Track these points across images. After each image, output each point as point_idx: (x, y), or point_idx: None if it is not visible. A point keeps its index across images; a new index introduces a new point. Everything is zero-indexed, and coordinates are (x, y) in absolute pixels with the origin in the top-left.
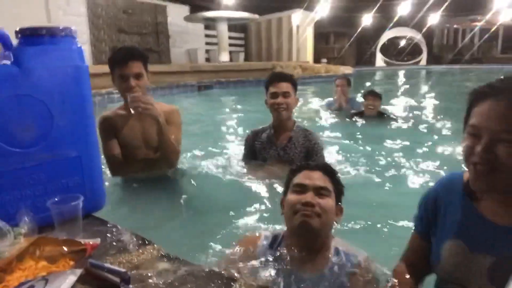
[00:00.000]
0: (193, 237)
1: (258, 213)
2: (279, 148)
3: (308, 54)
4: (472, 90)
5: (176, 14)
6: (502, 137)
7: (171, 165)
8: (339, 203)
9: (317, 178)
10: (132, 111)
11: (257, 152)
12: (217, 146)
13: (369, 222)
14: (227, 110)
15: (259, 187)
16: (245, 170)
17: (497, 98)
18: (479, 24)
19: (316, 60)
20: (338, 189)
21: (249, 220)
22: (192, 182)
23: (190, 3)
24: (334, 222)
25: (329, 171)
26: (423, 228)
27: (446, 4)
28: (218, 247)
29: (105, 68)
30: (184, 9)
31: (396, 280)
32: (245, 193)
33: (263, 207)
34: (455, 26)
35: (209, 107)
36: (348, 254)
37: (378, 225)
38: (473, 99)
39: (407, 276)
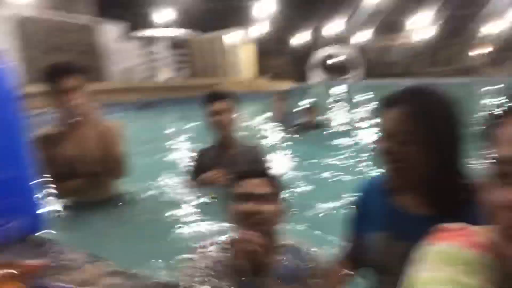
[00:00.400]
0: (146, 253)
1: (207, 224)
2: (225, 166)
3: (251, 71)
4: (379, 100)
5: (111, 32)
6: (407, 138)
7: (119, 174)
8: (283, 203)
9: (257, 185)
10: (71, 120)
11: (204, 172)
12: (161, 165)
13: (313, 221)
14: (170, 128)
15: (207, 199)
16: (191, 186)
17: (400, 105)
18: (404, 41)
19: (258, 77)
20: (280, 190)
21: (200, 231)
22: (138, 201)
23: (126, 21)
24: (281, 222)
25: (268, 176)
26: (356, 229)
27: (374, 23)
28: (172, 259)
29: (37, 88)
30: (120, 27)
31: (336, 271)
32: (193, 206)
33: (212, 217)
34: (384, 43)
35: (150, 126)
36: (299, 249)
37: (322, 223)
38: (380, 107)
39: (344, 270)
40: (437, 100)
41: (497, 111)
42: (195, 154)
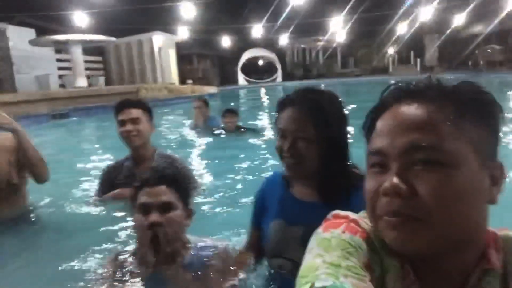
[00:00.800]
0: (55, 272)
1: (117, 236)
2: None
3: (173, 76)
4: (277, 101)
5: (19, 38)
6: (299, 135)
7: (42, 178)
8: (188, 206)
9: (160, 194)
10: None
11: (118, 188)
12: (78, 179)
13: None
14: (88, 138)
15: (120, 213)
16: (100, 201)
17: (293, 106)
18: (321, 43)
19: (182, 81)
20: (185, 194)
21: (110, 245)
22: (45, 218)
23: (36, 26)
24: (188, 223)
25: (172, 182)
26: (257, 220)
27: (292, 26)
28: (84, 274)
29: None
30: (29, 32)
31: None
32: (103, 221)
33: (121, 230)
34: (302, 46)
35: (66, 138)
36: (205, 247)
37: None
38: (278, 107)
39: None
40: (326, 100)
41: (377, 106)
42: (105, 168)
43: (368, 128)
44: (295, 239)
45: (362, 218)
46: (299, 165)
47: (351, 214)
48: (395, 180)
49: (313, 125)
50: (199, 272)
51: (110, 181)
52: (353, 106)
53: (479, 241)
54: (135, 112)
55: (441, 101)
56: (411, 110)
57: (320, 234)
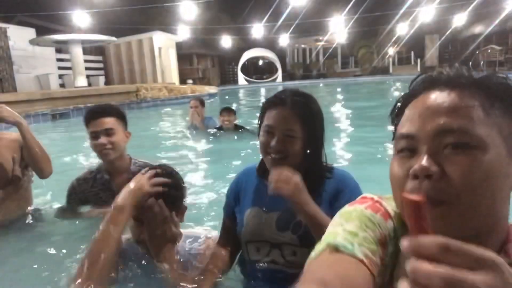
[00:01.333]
0: (57, 270)
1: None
2: (111, 197)
3: (173, 76)
4: (265, 100)
5: (20, 37)
6: (287, 133)
7: (45, 173)
8: (181, 206)
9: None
10: None
11: (92, 202)
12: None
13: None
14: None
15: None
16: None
17: (281, 105)
18: (321, 43)
19: (182, 81)
20: (177, 202)
21: None
22: (50, 216)
23: (36, 26)
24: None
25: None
26: (231, 210)
27: (293, 26)
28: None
29: None
30: (29, 32)
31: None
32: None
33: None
34: (302, 45)
35: (66, 137)
36: (193, 237)
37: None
38: (265, 106)
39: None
40: (311, 102)
41: (406, 93)
42: (73, 181)
43: (396, 115)
44: (271, 223)
45: (386, 199)
46: (284, 160)
47: (375, 196)
48: (425, 161)
49: (301, 124)
50: (191, 261)
51: (77, 195)
52: (353, 106)
53: (500, 232)
54: (109, 122)
55: (471, 89)
56: (442, 95)
57: (345, 208)
